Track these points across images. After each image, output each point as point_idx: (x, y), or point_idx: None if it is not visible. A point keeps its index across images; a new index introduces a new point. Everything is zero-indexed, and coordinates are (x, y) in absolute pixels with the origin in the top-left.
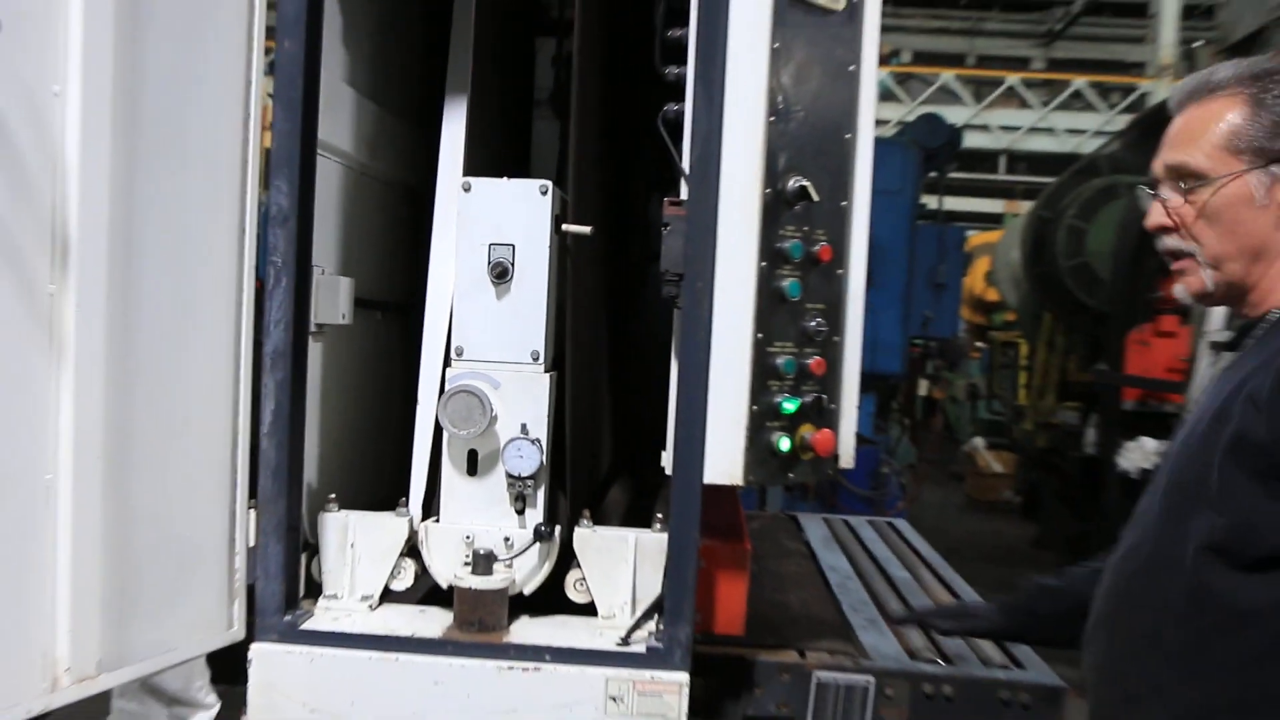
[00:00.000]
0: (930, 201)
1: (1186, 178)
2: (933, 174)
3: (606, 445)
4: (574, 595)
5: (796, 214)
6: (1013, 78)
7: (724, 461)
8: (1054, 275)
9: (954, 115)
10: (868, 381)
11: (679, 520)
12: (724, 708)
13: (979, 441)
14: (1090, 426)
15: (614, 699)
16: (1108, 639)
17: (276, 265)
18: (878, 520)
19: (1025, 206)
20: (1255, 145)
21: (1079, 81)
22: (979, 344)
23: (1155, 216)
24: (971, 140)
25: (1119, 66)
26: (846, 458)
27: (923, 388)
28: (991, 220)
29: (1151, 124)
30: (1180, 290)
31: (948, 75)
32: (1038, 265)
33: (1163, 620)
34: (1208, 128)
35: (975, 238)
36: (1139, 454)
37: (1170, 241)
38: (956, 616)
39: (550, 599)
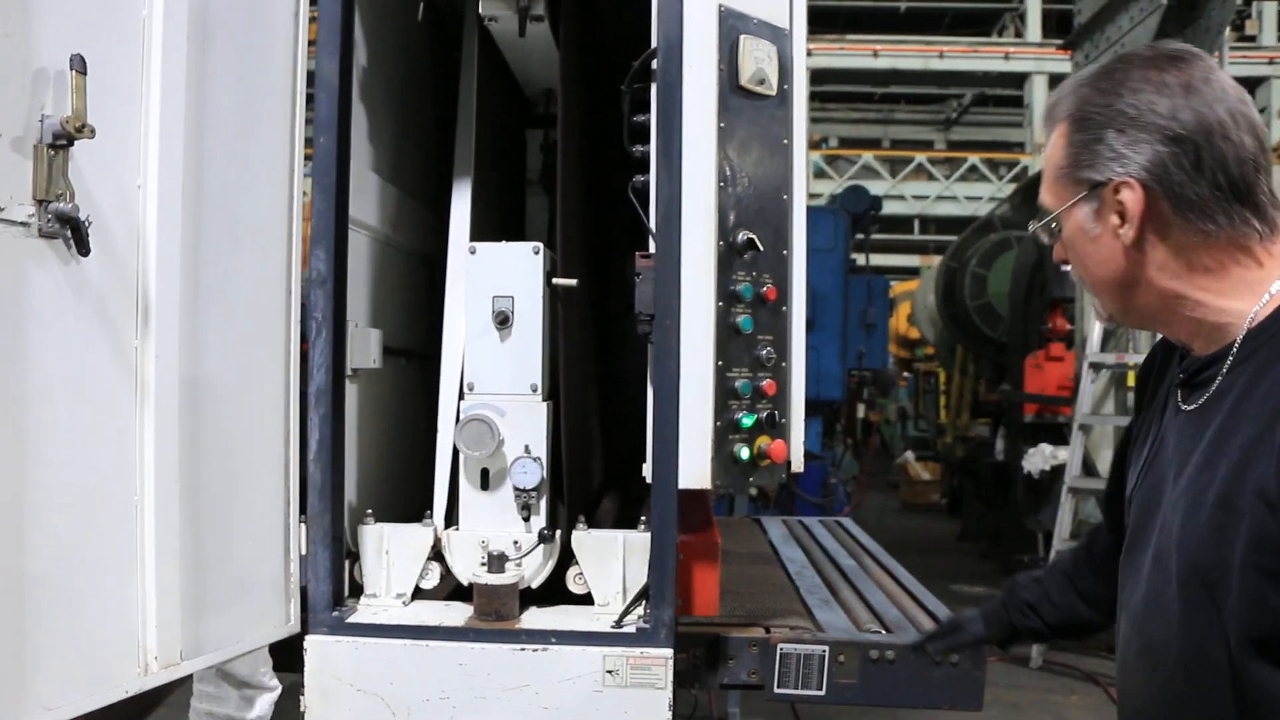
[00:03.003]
0: (859, 258)
1: (1042, 214)
2: (859, 235)
3: (598, 463)
4: (574, 587)
5: (746, 262)
6: (920, 156)
7: (695, 469)
8: (963, 314)
9: (874, 188)
10: (814, 407)
11: (659, 520)
12: (703, 677)
13: (909, 455)
14: (999, 438)
15: (610, 672)
16: None
17: (317, 320)
18: (827, 520)
19: (936, 260)
20: (1071, 177)
21: (973, 158)
22: (905, 374)
23: (1055, 251)
24: (889, 208)
25: (1004, 145)
26: (797, 463)
27: (860, 411)
28: (909, 272)
29: (1032, 190)
30: (1095, 316)
31: (867, 155)
32: (949, 306)
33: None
34: (1048, 161)
35: (897, 287)
36: (1039, 458)
37: (1069, 269)
38: (947, 634)
39: (554, 591)
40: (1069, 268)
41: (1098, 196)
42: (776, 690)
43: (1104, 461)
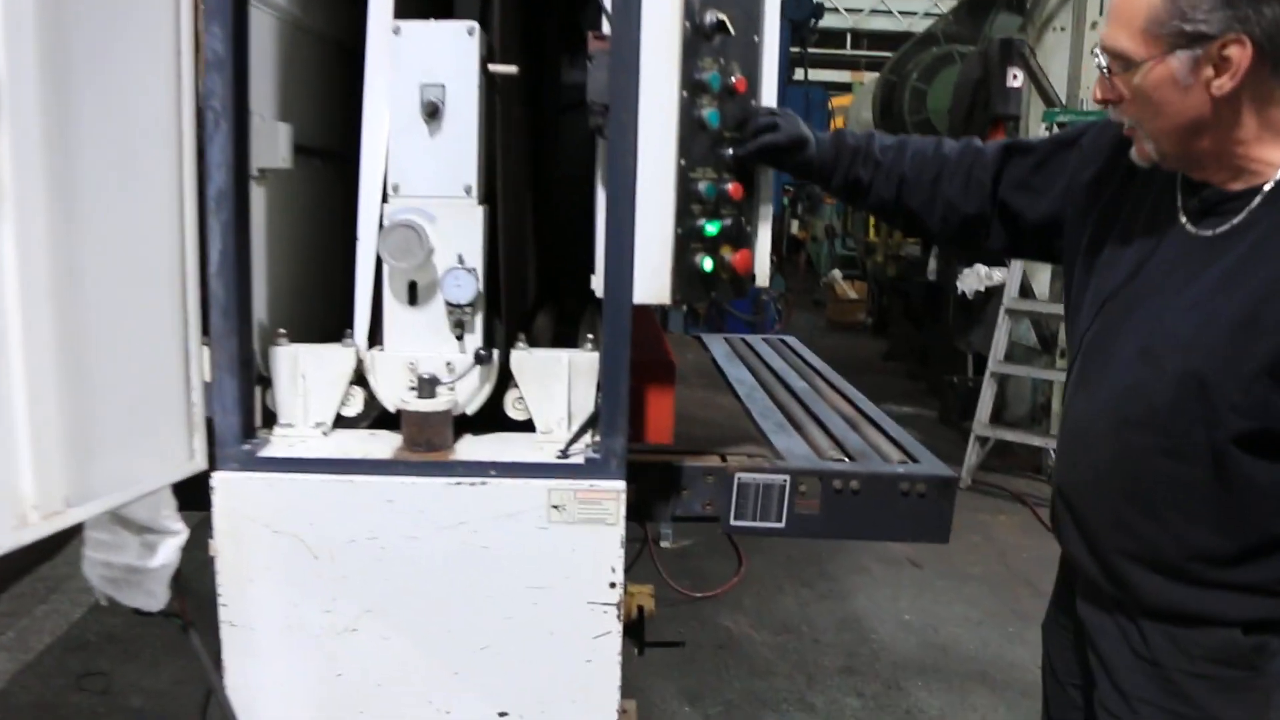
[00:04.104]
0: (798, 74)
1: (1116, 58)
2: (797, 49)
3: (532, 276)
4: (513, 413)
5: (714, 47)
6: None
7: (653, 283)
8: (901, 130)
9: None
10: None
11: (611, 339)
12: (654, 509)
13: (836, 273)
14: (932, 257)
15: (556, 507)
16: (1120, 499)
17: (215, 110)
18: (770, 338)
19: (868, 76)
20: (1172, 29)
21: None
22: None
23: (1098, 90)
24: (825, 20)
25: None
26: (762, 276)
27: (794, 227)
28: (841, 88)
29: (975, 3)
30: (1134, 156)
31: None
32: (886, 122)
33: (1189, 492)
34: (1133, 8)
35: (831, 101)
36: (974, 278)
37: (1113, 114)
38: (784, 140)
39: (491, 418)
40: (1115, 110)
41: (1201, 48)
42: (733, 522)
43: (1041, 284)
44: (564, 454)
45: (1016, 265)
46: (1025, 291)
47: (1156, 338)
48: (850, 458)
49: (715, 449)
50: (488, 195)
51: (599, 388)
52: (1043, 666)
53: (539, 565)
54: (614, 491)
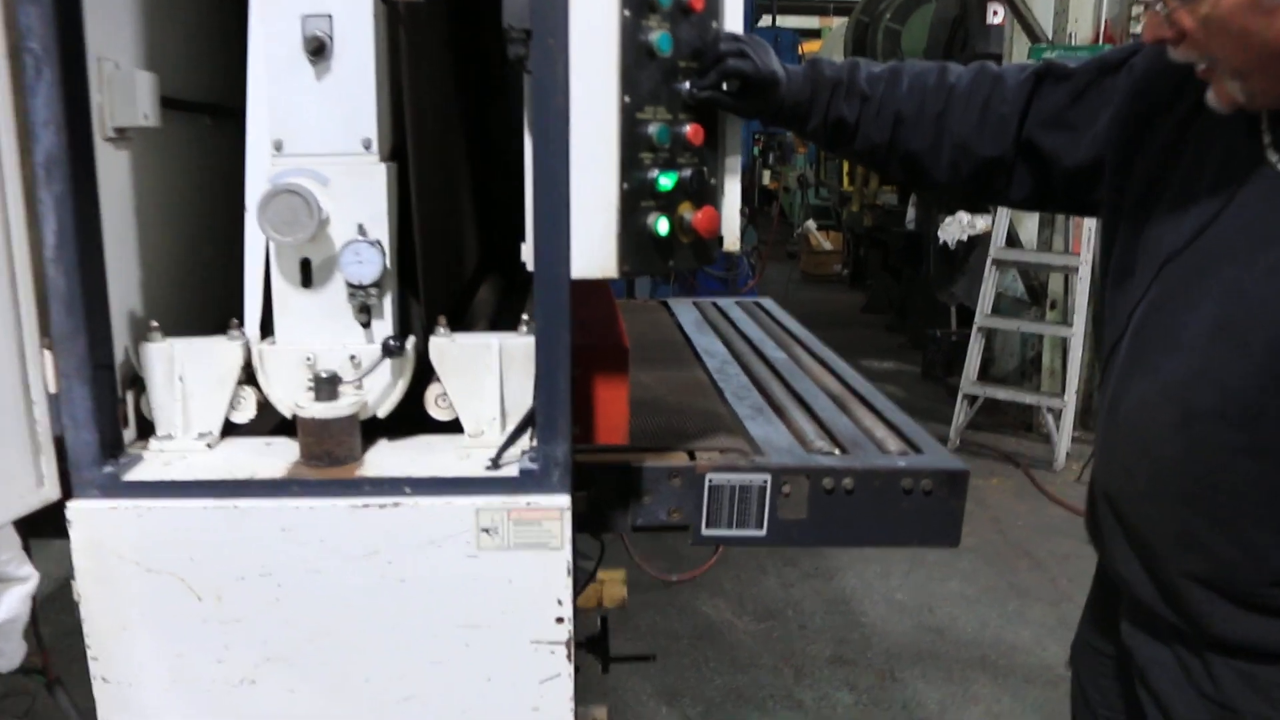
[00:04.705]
0: (765, 20)
1: None
2: None
3: (472, 243)
4: (436, 413)
5: None
6: None
7: (595, 252)
8: None
9: None
10: None
11: (546, 322)
12: (610, 520)
13: (811, 224)
14: (911, 206)
15: (486, 530)
16: (1187, 510)
17: (34, 53)
18: (745, 300)
19: (837, 21)
20: None
21: None
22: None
23: (1152, 29)
24: None
25: None
26: (731, 239)
27: (765, 178)
28: (809, 34)
29: None
30: (1211, 101)
31: None
32: None
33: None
34: None
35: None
36: (956, 227)
37: (1179, 54)
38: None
39: (411, 419)
40: (1179, 50)
41: None
42: (705, 532)
43: (1028, 232)
44: (494, 464)
45: (1003, 212)
46: (1012, 240)
47: (1237, 307)
48: (841, 448)
49: (681, 444)
50: (395, 151)
51: (536, 381)
52: (1072, 693)
53: (469, 600)
54: (556, 509)
